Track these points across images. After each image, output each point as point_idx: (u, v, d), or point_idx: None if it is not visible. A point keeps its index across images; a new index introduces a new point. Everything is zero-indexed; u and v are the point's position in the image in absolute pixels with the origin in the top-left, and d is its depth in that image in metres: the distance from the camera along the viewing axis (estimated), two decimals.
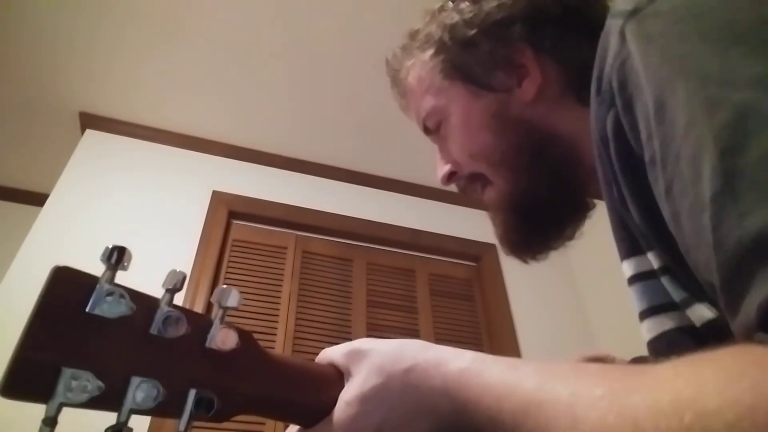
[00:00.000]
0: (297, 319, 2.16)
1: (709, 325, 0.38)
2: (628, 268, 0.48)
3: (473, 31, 0.60)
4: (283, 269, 2.30)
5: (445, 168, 0.67)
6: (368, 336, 2.21)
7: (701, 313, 0.39)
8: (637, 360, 0.65)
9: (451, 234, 2.66)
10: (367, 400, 0.43)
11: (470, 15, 0.61)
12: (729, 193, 0.27)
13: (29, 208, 2.48)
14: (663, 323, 0.44)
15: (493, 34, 0.60)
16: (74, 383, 0.30)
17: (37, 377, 0.30)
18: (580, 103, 0.58)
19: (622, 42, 0.38)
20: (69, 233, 2.04)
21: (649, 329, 0.46)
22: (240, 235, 2.35)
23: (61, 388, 0.30)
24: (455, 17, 0.62)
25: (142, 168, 2.36)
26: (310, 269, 2.36)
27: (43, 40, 2.10)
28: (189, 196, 2.34)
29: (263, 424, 1.88)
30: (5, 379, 0.29)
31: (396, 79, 0.71)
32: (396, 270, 2.51)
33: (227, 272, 2.20)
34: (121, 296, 0.33)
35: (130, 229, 2.14)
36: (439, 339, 2.31)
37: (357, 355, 0.46)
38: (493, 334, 2.40)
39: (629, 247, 0.47)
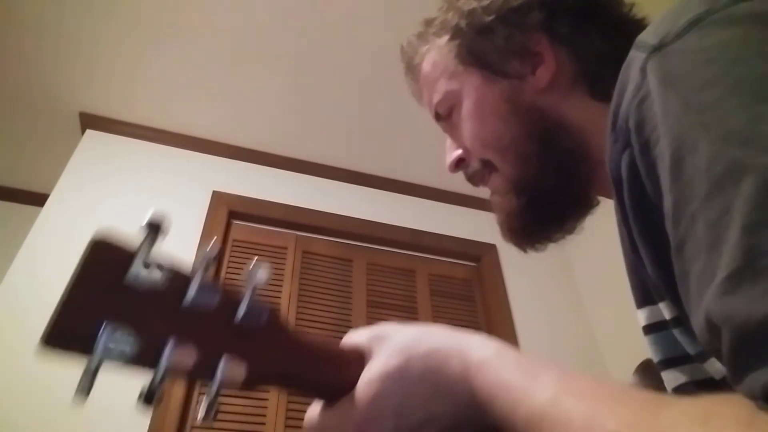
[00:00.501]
0: (297, 319, 2.16)
1: None
2: (641, 318, 0.48)
3: (490, 17, 0.60)
4: (283, 269, 2.30)
5: (454, 154, 0.67)
6: None
7: (719, 366, 0.38)
8: (645, 365, 0.66)
9: (451, 234, 2.66)
10: (387, 379, 0.43)
11: (488, 1, 0.61)
12: (749, 273, 0.26)
13: (29, 209, 2.47)
14: (677, 377, 0.44)
15: (510, 20, 0.60)
16: (115, 338, 0.31)
17: (81, 327, 0.30)
18: (591, 95, 0.58)
19: (643, 78, 0.36)
20: (69, 233, 2.03)
21: (667, 381, 0.46)
22: (240, 235, 2.35)
23: (103, 340, 0.30)
24: (473, 3, 0.62)
25: (143, 168, 2.36)
26: (310, 269, 2.36)
27: (44, 40, 2.10)
28: (189, 196, 2.34)
29: (263, 424, 1.88)
30: (49, 329, 0.29)
31: (410, 66, 0.72)
32: (396, 270, 2.51)
33: (227, 272, 2.20)
34: (159, 267, 0.34)
35: (131, 229, 2.12)
36: None
37: (380, 337, 0.47)
38: (493, 334, 2.38)
39: (642, 295, 0.47)
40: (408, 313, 2.37)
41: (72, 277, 0.32)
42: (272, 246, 2.36)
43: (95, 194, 2.19)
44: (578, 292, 2.70)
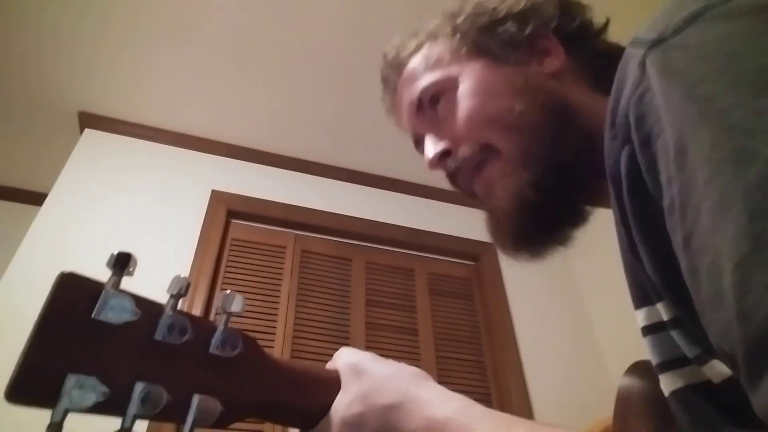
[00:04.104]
0: (296, 318, 2.16)
1: (729, 381, 0.36)
2: (640, 319, 0.47)
3: (499, 15, 0.62)
4: (282, 268, 2.30)
5: (439, 146, 0.62)
6: (367, 336, 2.21)
7: (720, 369, 0.37)
8: (636, 366, 0.65)
9: (450, 233, 2.66)
10: (346, 426, 0.45)
11: (496, 2, 0.63)
12: (757, 259, 0.25)
13: (28, 208, 2.47)
14: (675, 381, 0.43)
15: (519, 19, 0.61)
16: (79, 389, 0.30)
17: (43, 383, 0.30)
18: (594, 89, 0.58)
19: (642, 74, 0.36)
20: (68, 232, 2.03)
21: (665, 385, 0.45)
22: (239, 234, 2.35)
23: (66, 393, 0.30)
24: (483, 5, 0.63)
25: (141, 167, 2.36)
26: (309, 268, 2.36)
27: (43, 39, 2.09)
28: (188, 195, 2.34)
29: (262, 423, 1.89)
30: (11, 385, 0.29)
31: (395, 59, 0.69)
32: (395, 269, 2.51)
33: (226, 272, 2.20)
34: (127, 302, 0.33)
35: (129, 229, 2.13)
36: (439, 338, 2.31)
37: (354, 372, 0.48)
38: (492, 333, 2.40)
39: (640, 296, 0.46)
40: (407, 312, 2.37)
41: (39, 316, 0.31)
42: (271, 245, 2.36)
43: (94, 193, 2.19)
44: (577, 291, 2.69)
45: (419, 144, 0.68)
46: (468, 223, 2.70)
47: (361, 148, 2.62)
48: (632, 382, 0.63)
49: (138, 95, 2.35)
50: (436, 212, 2.73)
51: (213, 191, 2.38)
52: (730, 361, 0.28)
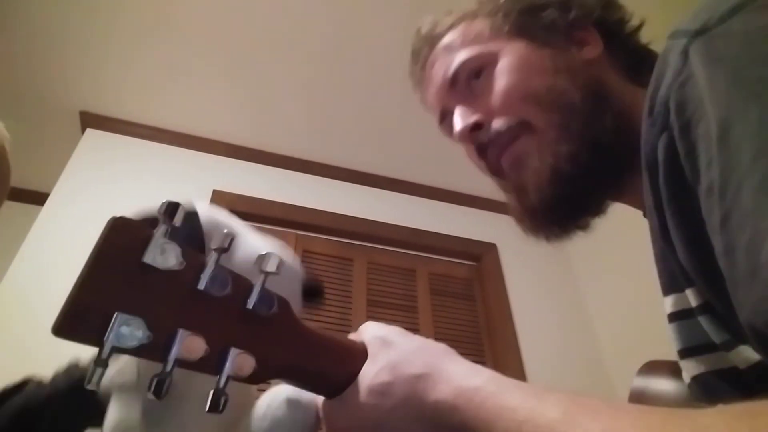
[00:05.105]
0: None
1: (755, 367, 0.37)
2: (668, 305, 0.47)
3: (543, 1, 0.64)
4: None
5: (471, 118, 0.62)
6: None
7: (747, 354, 0.37)
8: (649, 366, 0.65)
9: (451, 233, 2.66)
10: (373, 394, 0.44)
11: None
12: None
13: (30, 208, 2.45)
14: (697, 366, 0.43)
15: (562, 6, 0.63)
16: (125, 328, 0.31)
17: (91, 320, 0.30)
18: (630, 80, 0.60)
19: (684, 62, 0.36)
20: (70, 232, 2.03)
21: (686, 370, 0.45)
22: None
23: (114, 331, 0.30)
24: None
25: (143, 167, 2.36)
26: (310, 269, 2.35)
27: (45, 39, 2.10)
28: (189, 195, 2.32)
29: None
30: (60, 318, 0.29)
31: (430, 35, 0.70)
32: (396, 269, 2.51)
33: None
34: (174, 250, 0.34)
35: None
36: (440, 339, 2.27)
37: (382, 344, 0.47)
38: (494, 333, 2.40)
39: (669, 282, 0.46)
40: (408, 312, 2.37)
41: (89, 256, 0.31)
42: None
43: (96, 193, 2.19)
44: (579, 291, 2.70)
45: (444, 119, 0.68)
46: (470, 224, 2.71)
47: (362, 148, 2.62)
48: (645, 382, 0.63)
49: (140, 95, 2.35)
50: (437, 212, 2.74)
51: (214, 191, 2.38)
52: (761, 339, 0.28)
